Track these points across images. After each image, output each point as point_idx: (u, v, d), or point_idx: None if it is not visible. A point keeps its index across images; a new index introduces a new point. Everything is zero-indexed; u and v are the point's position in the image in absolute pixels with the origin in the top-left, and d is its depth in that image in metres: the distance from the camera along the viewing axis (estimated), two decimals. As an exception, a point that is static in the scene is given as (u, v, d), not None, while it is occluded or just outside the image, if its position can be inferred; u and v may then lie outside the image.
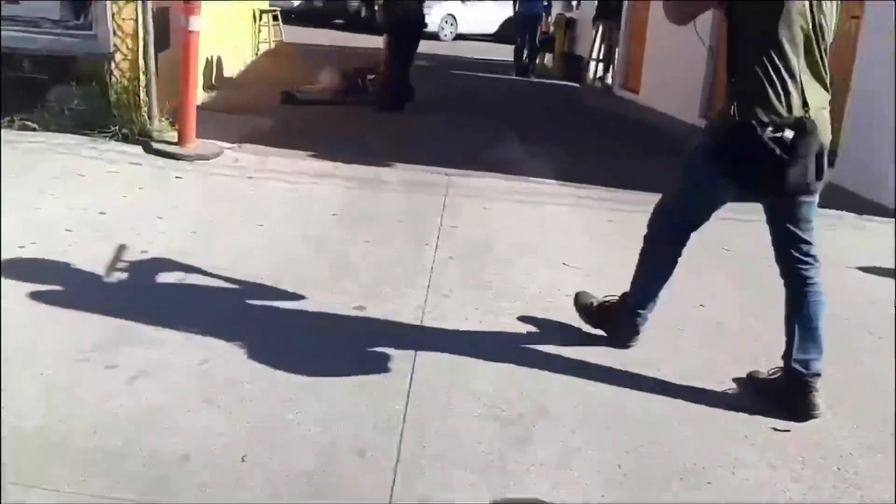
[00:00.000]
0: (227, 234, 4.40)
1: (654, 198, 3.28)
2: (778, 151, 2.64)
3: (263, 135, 6.88)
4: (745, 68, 2.75)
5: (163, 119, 6.15)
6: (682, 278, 3.31)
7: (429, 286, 3.90)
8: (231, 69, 10.41)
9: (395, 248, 4.42)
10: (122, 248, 4.02)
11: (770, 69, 2.69)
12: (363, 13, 24.09)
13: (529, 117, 9.82)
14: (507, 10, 24.11)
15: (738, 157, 2.73)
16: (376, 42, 18.18)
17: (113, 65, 5.95)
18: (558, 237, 4.90)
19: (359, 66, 9.53)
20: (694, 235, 3.15)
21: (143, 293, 3.62)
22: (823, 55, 2.76)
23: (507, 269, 4.24)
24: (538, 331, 3.55)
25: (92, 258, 3.85)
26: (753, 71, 2.71)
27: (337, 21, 24.43)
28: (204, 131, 6.11)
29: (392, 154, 6.56)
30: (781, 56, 2.69)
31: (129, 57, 5.95)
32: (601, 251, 4.67)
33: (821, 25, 2.72)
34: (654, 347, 3.37)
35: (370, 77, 9.34)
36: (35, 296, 3.40)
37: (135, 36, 5.91)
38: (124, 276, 3.77)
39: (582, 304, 3.54)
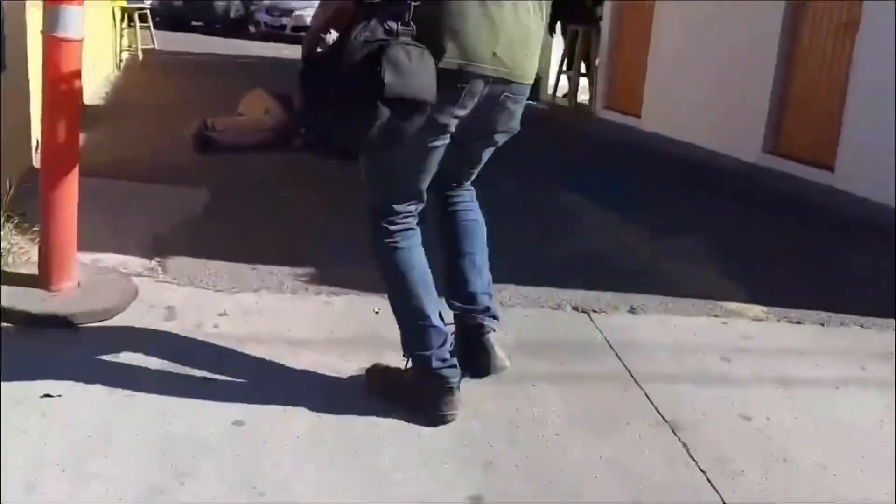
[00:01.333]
0: None
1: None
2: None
3: (197, 229, 3.79)
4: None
5: (5, 221, 2.96)
6: None
7: None
8: (92, 92, 7.16)
9: None
10: None
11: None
12: (233, 13, 20.56)
13: (547, 159, 6.71)
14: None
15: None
16: (274, 50, 15.03)
17: None
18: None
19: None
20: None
21: None
22: None
23: None
24: None
25: None
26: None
27: (196, 23, 20.75)
28: (85, 228, 2.97)
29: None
30: None
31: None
32: None
33: None
34: None
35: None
36: None
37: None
38: None
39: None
